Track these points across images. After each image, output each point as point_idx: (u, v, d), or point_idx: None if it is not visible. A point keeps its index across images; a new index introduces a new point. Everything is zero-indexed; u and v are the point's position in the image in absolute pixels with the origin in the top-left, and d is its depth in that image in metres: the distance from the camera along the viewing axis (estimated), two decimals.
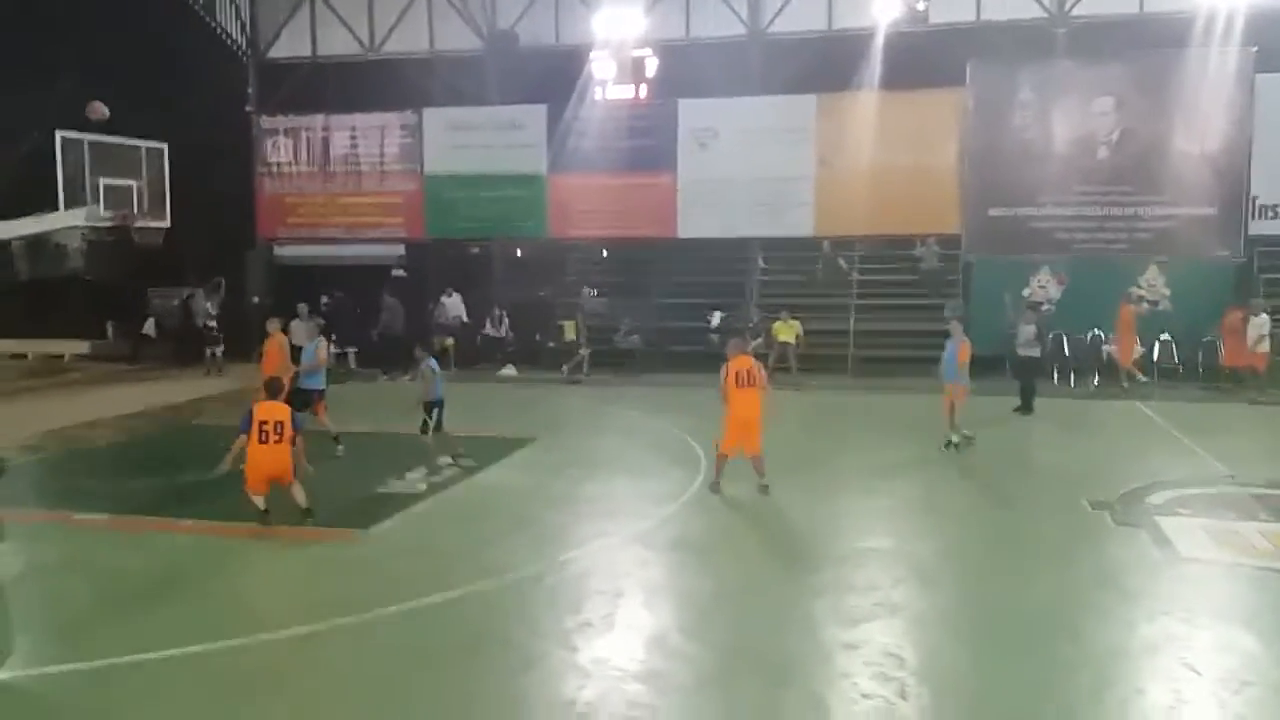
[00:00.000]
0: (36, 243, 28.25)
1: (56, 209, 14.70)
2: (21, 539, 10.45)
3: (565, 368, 20.95)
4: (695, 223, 22.57)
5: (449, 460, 12.68)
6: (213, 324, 22.95)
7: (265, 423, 9.97)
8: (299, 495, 10.13)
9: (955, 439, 13.65)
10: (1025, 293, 20.18)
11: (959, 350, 13.70)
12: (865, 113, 21.39)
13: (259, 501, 10.12)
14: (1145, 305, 19.66)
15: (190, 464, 13.01)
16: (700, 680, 6.87)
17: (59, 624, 8.04)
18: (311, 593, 8.47)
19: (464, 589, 8.32)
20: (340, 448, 13.48)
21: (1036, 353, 16.75)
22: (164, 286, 26.53)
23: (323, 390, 13.91)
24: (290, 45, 25.60)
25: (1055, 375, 19.29)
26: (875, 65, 21.57)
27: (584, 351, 21.07)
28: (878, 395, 18.76)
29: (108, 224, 15.28)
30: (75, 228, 19.47)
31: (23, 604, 8.59)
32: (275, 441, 9.96)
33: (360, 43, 25.02)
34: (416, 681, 6.79)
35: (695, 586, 8.80)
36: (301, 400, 13.21)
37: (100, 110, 16.53)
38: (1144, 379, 18.77)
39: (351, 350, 22.51)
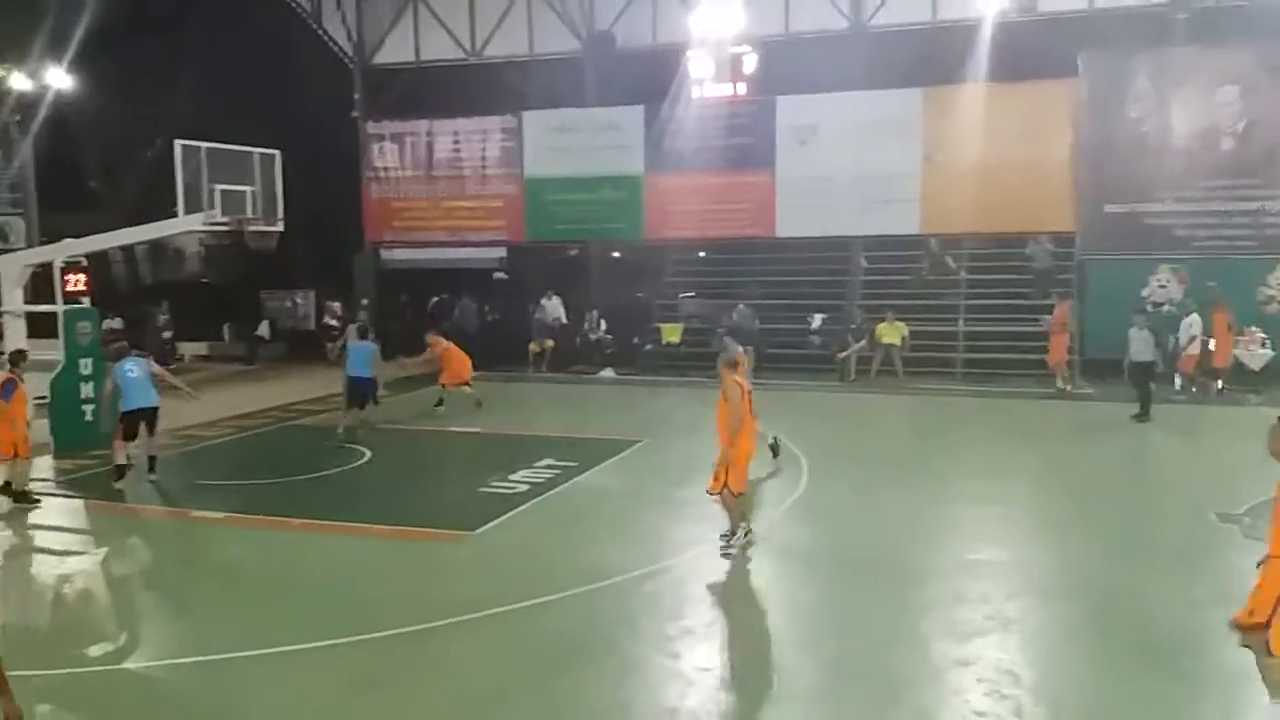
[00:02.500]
0: (157, 247, 29.62)
1: (176, 214, 15.26)
2: (145, 535, 10.96)
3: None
4: (795, 222, 22.27)
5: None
6: (335, 323, 24.27)
7: None
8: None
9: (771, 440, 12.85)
10: (1144, 293, 19.36)
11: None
12: (973, 106, 20.79)
13: None
14: (1276, 305, 18.66)
15: (301, 463, 13.45)
16: (806, 693, 6.75)
17: (181, 618, 8.36)
18: (422, 592, 8.58)
19: (566, 592, 8.33)
20: (153, 475, 12.50)
21: (1151, 358, 16.05)
22: (276, 289, 27.53)
23: (135, 411, 12.37)
24: (394, 51, 26.16)
25: (1176, 380, 18.43)
26: (983, 57, 20.90)
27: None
28: (987, 399, 18.23)
29: (224, 229, 15.79)
30: (193, 233, 20.25)
31: (147, 598, 8.99)
32: None
33: (462, 47, 25.43)
34: (521, 682, 6.83)
35: (799, 596, 8.66)
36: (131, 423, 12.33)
37: None
38: (1064, 385, 18.46)
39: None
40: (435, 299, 25.87)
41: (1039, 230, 21.25)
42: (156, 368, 12.80)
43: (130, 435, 12.38)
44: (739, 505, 9.38)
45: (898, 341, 20.02)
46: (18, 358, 11.67)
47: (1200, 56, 19.90)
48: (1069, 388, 18.59)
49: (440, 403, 16.99)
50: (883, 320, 20.23)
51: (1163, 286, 19.64)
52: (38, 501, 11.48)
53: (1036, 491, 12.08)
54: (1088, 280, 20.27)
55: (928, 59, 21.64)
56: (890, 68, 21.70)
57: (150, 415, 12.42)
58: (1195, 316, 17.62)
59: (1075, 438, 15.44)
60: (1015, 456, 13.97)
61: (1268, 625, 5.88)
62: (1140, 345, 15.94)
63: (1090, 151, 20.17)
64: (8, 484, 11.50)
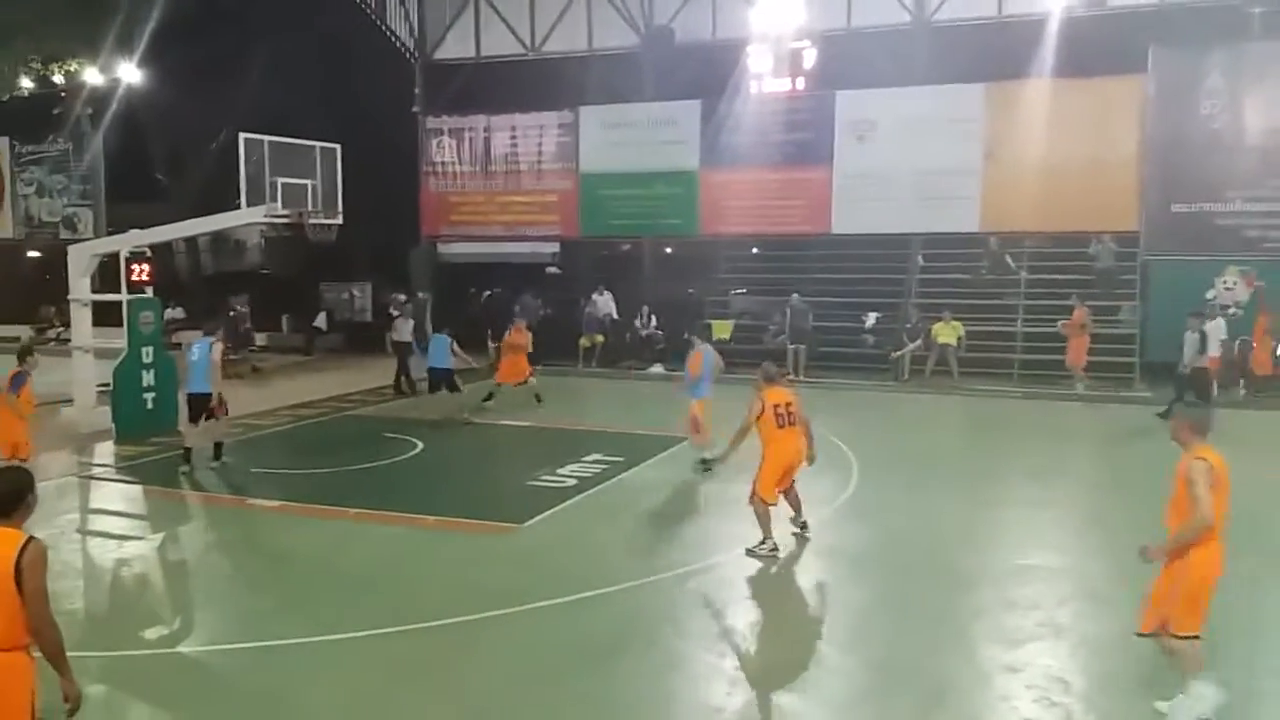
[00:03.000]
0: (219, 239, 30.28)
1: (238, 206, 15.55)
2: (201, 521, 11.18)
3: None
4: (851, 218, 22.02)
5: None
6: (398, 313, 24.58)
7: None
8: None
9: (709, 456, 11.91)
10: (1209, 295, 18.83)
11: (690, 361, 12.61)
12: (1036, 103, 20.39)
13: None
14: None
15: (355, 453, 13.63)
16: (852, 695, 6.68)
17: (232, 604, 8.51)
18: (469, 582, 8.65)
19: (611, 586, 8.34)
20: (218, 461, 12.81)
21: (1203, 364, 15.58)
22: (335, 281, 27.98)
23: (189, 395, 12.84)
24: (455, 46, 26.35)
25: (1243, 386, 17.92)
26: (1048, 52, 20.47)
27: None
28: (1044, 402, 17.89)
29: (285, 221, 16.04)
30: (255, 225, 20.60)
31: (200, 583, 9.17)
32: None
33: (521, 42, 25.54)
34: (564, 674, 6.85)
35: (847, 597, 8.58)
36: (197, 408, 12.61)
37: None
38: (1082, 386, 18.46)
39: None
40: (488, 293, 26.22)
41: (1102, 230, 20.76)
42: (217, 356, 12.97)
43: (192, 418, 12.69)
44: (768, 514, 9.23)
45: (954, 341, 19.71)
46: (24, 353, 11.33)
47: (1276, 52, 19.28)
48: (1081, 388, 18.37)
49: (490, 396, 17.10)
50: (939, 319, 19.94)
51: (1229, 289, 19.10)
52: None
53: (1090, 495, 11.85)
54: (1151, 281, 19.79)
55: (991, 54, 21.24)
56: (952, 63, 21.37)
57: (197, 403, 12.62)
58: (1220, 321, 16.86)
59: (1131, 441, 15.09)
60: (1069, 459, 13.72)
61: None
62: (1191, 349, 15.56)
63: (1158, 149, 19.67)
64: None
